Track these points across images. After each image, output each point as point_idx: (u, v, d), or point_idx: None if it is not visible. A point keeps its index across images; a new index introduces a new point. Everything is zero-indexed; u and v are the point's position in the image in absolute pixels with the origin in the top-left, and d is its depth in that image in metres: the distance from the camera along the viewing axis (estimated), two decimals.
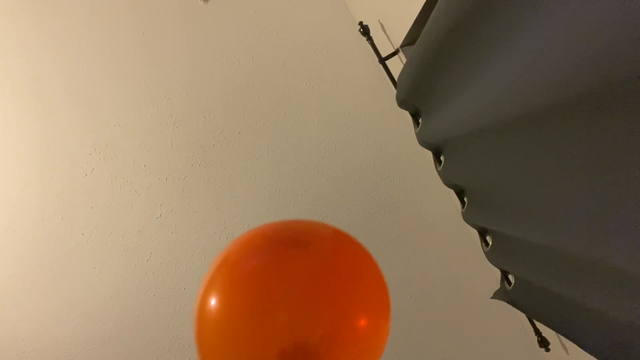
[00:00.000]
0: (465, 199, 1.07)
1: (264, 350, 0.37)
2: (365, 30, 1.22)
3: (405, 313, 1.32)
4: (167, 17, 1.44)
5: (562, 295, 0.77)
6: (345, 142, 1.44)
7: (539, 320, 0.93)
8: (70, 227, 1.29)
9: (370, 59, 1.46)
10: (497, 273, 1.15)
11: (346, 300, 0.40)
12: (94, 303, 1.27)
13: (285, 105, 1.44)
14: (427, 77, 0.92)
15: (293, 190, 1.39)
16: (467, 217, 1.07)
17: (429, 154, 1.17)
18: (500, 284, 1.12)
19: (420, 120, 1.12)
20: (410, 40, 1.15)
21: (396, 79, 1.14)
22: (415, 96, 1.04)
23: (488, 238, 1.08)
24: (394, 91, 1.17)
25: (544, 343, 1.10)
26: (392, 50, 1.24)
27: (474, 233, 1.16)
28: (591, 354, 0.75)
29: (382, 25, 1.26)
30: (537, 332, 1.11)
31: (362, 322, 0.40)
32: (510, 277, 1.07)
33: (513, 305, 1.02)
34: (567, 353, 1.09)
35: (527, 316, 1.11)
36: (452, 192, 1.16)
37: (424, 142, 1.10)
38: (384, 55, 1.22)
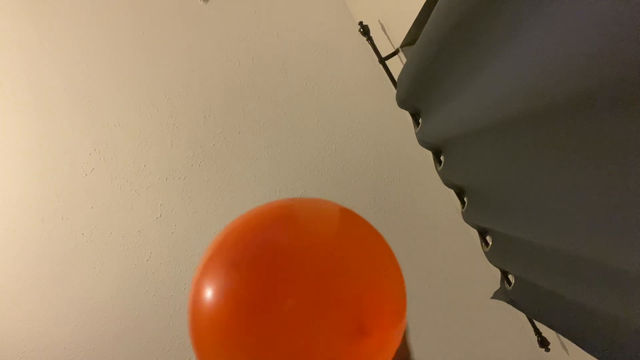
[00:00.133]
0: (465, 199, 1.07)
1: (269, 342, 0.33)
2: (365, 30, 1.22)
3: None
4: (167, 17, 1.44)
5: (562, 295, 0.77)
6: (345, 142, 1.44)
7: (539, 320, 0.93)
8: (70, 227, 1.29)
9: (370, 59, 1.46)
10: (497, 273, 1.15)
11: (363, 285, 0.36)
12: (94, 303, 1.27)
13: (285, 105, 1.44)
14: (427, 77, 0.92)
15: (293, 190, 1.39)
16: (467, 217, 1.06)
17: (429, 154, 1.17)
18: (500, 284, 1.12)
19: (420, 120, 1.12)
20: (410, 40, 1.15)
21: (396, 79, 1.14)
22: (415, 96, 1.04)
23: (488, 238, 1.08)
24: (394, 91, 1.17)
25: (544, 343, 1.10)
26: (392, 50, 1.24)
27: (474, 233, 1.16)
28: (591, 354, 0.75)
29: (382, 25, 1.26)
30: (537, 332, 1.11)
31: (382, 319, 0.36)
32: (510, 277, 1.07)
33: (513, 305, 1.02)
34: (567, 353, 1.09)
35: (527, 316, 1.11)
36: (452, 192, 1.16)
37: (424, 142, 1.10)
38: (384, 55, 1.22)
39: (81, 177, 1.32)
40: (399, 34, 1.16)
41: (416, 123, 1.14)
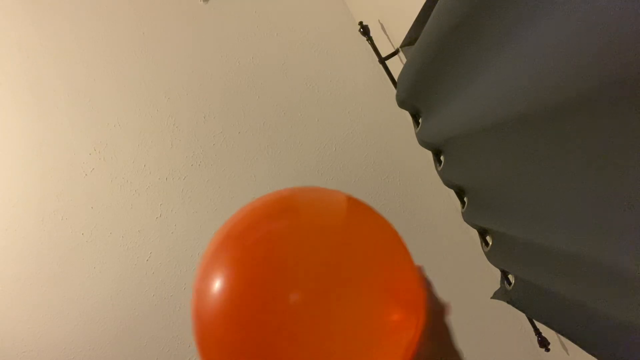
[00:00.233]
0: (465, 199, 1.07)
1: (275, 335, 0.31)
2: (365, 30, 1.22)
3: None
4: (167, 17, 1.44)
5: (562, 295, 0.77)
6: (345, 142, 1.44)
7: (539, 321, 0.93)
8: (70, 227, 1.29)
9: (370, 59, 1.46)
10: (497, 273, 1.15)
11: (375, 273, 0.34)
12: (94, 303, 1.27)
13: (285, 105, 1.44)
14: (427, 77, 0.92)
15: None
16: (467, 217, 1.06)
17: (429, 154, 1.17)
18: (500, 284, 1.12)
19: (420, 120, 1.12)
20: (410, 40, 1.15)
21: (396, 79, 1.14)
22: (415, 96, 1.04)
23: (488, 238, 1.08)
24: (394, 91, 1.17)
25: (544, 343, 1.10)
26: (392, 50, 1.24)
27: (474, 233, 1.16)
28: (591, 354, 0.75)
29: (382, 25, 1.26)
30: (537, 332, 1.11)
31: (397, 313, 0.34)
32: (510, 277, 1.07)
33: (513, 305, 1.02)
34: (567, 353, 1.09)
35: (527, 316, 1.11)
36: (452, 192, 1.16)
37: (424, 142, 1.10)
38: (384, 55, 1.21)
39: (81, 177, 1.32)
40: (399, 34, 1.16)
41: (416, 123, 1.14)
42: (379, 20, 1.26)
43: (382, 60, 1.21)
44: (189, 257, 1.32)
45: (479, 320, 1.33)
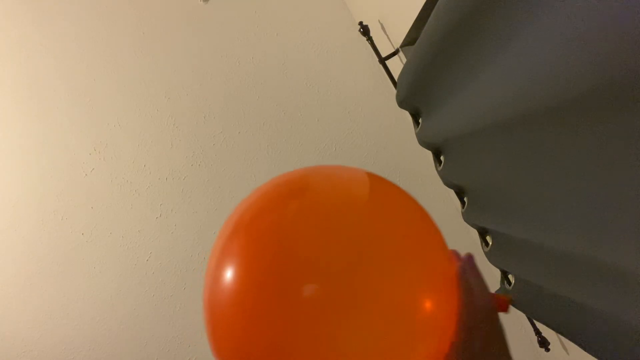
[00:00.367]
0: (465, 199, 1.07)
1: (291, 331, 0.28)
2: (365, 30, 1.22)
3: None
4: (167, 17, 1.44)
5: (562, 295, 0.77)
6: (345, 142, 1.44)
7: (538, 320, 0.93)
8: (70, 227, 1.29)
9: (370, 59, 1.46)
10: (497, 273, 1.15)
11: (407, 260, 0.30)
12: (94, 303, 1.27)
13: (285, 105, 1.44)
14: (427, 77, 0.92)
15: None
16: (467, 217, 1.06)
17: (429, 154, 1.17)
18: (500, 284, 1.12)
19: (420, 120, 1.12)
20: (410, 40, 1.15)
21: (396, 79, 1.14)
22: (415, 96, 1.04)
23: (488, 238, 1.08)
24: (394, 91, 1.17)
25: (544, 343, 1.10)
26: (392, 50, 1.24)
27: (474, 233, 1.16)
28: (591, 354, 0.75)
29: (382, 25, 1.26)
30: (537, 332, 1.11)
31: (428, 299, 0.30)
32: (510, 277, 1.07)
33: (513, 305, 1.02)
34: (567, 353, 1.09)
35: (527, 316, 1.11)
36: (452, 192, 1.16)
37: (424, 142, 1.10)
38: (384, 55, 1.21)
39: (81, 177, 1.32)
40: (399, 34, 1.16)
41: (416, 123, 1.14)
42: (379, 20, 1.26)
43: (382, 60, 1.21)
44: (189, 257, 1.32)
45: None
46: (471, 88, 0.74)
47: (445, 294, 0.32)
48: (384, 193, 0.36)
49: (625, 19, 0.38)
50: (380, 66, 1.23)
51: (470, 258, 0.37)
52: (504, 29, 0.60)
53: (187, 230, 1.33)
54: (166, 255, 1.31)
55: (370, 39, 1.23)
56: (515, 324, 1.33)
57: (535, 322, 1.12)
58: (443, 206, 1.42)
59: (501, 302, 0.36)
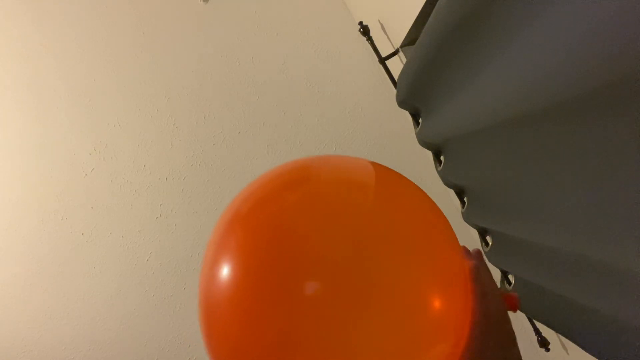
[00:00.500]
0: (465, 199, 1.07)
1: (294, 327, 0.26)
2: (365, 30, 1.22)
3: None
4: (167, 17, 1.44)
5: (562, 295, 0.77)
6: (345, 142, 1.44)
7: (539, 320, 0.93)
8: (70, 227, 1.29)
9: (370, 59, 1.45)
10: (497, 273, 1.15)
11: (416, 255, 0.28)
12: (94, 303, 1.27)
13: (285, 105, 1.44)
14: (427, 77, 0.92)
15: None
16: (467, 217, 1.06)
17: (429, 154, 1.17)
18: (500, 284, 1.12)
19: (420, 120, 1.12)
20: (410, 40, 1.15)
21: (396, 79, 1.14)
22: (415, 96, 1.04)
23: (488, 238, 1.08)
24: (394, 91, 1.17)
25: (544, 343, 1.10)
26: (392, 50, 1.24)
27: (474, 233, 1.16)
28: (592, 354, 0.75)
29: (382, 25, 1.25)
30: (537, 332, 1.11)
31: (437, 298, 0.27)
32: (510, 277, 1.07)
33: None
34: (567, 353, 1.09)
35: (527, 316, 1.11)
36: (452, 192, 1.16)
37: (423, 142, 1.10)
38: (384, 55, 1.21)
39: (81, 177, 1.32)
40: (399, 34, 1.16)
41: (416, 123, 1.14)
42: (379, 20, 1.26)
43: (382, 60, 1.21)
44: (189, 257, 1.32)
45: None
46: (471, 88, 0.74)
47: (459, 291, 0.29)
48: (390, 183, 0.34)
49: (625, 19, 0.38)
50: (380, 66, 1.23)
51: (480, 255, 0.35)
52: (504, 29, 0.60)
53: (187, 230, 1.33)
54: (166, 255, 1.31)
55: (370, 39, 1.23)
56: (515, 324, 1.33)
57: (535, 322, 1.12)
58: (443, 206, 1.40)
59: (511, 301, 0.33)
